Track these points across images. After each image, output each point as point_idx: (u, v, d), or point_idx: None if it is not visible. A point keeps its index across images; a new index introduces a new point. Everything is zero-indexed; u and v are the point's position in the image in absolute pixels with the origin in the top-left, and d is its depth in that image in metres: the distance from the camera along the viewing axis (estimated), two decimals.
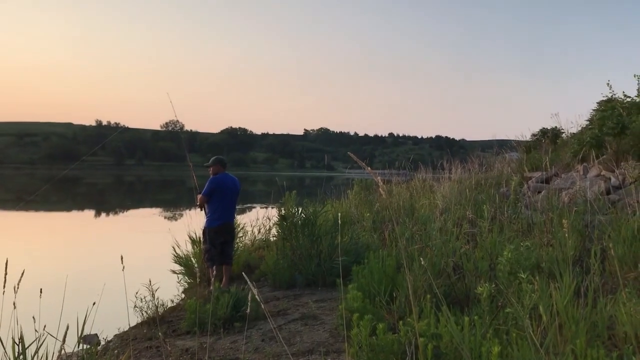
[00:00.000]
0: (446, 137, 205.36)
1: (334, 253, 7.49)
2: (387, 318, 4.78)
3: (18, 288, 3.05)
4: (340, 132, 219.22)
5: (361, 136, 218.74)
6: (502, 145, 17.89)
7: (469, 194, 8.92)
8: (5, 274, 3.03)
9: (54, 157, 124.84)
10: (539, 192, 10.53)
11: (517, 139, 17.45)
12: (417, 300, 4.57)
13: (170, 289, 8.31)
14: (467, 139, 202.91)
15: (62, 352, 3.27)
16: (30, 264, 3.81)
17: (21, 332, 3.27)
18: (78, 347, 3.90)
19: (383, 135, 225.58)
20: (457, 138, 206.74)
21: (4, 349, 3.21)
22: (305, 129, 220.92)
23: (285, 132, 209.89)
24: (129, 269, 3.55)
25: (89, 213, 28.96)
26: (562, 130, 16.33)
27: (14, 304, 3.12)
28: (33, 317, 3.18)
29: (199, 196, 7.86)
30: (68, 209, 30.02)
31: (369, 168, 2.70)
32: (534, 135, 17.12)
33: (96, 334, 5.74)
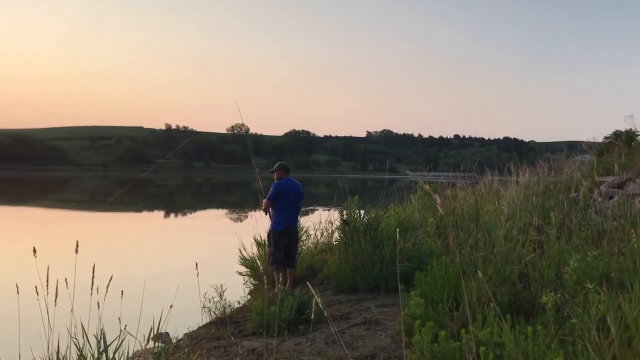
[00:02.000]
0: (514, 138, 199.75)
1: (397, 258, 7.52)
2: (450, 325, 4.79)
3: (107, 292, 3.30)
4: (404, 134, 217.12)
5: (425, 138, 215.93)
6: (573, 148, 17.29)
7: (536, 200, 8.71)
8: (93, 277, 3.28)
9: (125, 159, 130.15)
10: (611, 198, 10.15)
11: (589, 141, 16.82)
12: (480, 308, 4.55)
13: (237, 290, 8.59)
14: (537, 140, 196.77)
15: (140, 349, 3.50)
16: (109, 264, 4.09)
17: (102, 330, 3.52)
18: (152, 344, 4.15)
19: (448, 137, 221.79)
20: (526, 139, 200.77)
21: (90, 345, 3.46)
22: (367, 131, 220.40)
23: (347, 135, 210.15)
24: (198, 270, 3.74)
25: (159, 214, 30.10)
26: (638, 133, 15.61)
27: (97, 304, 3.37)
28: (119, 319, 3.42)
29: (264, 200, 8.08)
30: (140, 210, 31.29)
31: (420, 180, 2.74)
32: (606, 137, 16.44)
33: (167, 333, 6.03)
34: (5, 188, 53.67)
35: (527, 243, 6.36)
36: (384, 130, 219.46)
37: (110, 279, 3.33)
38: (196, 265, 3.46)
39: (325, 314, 3.32)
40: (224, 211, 30.78)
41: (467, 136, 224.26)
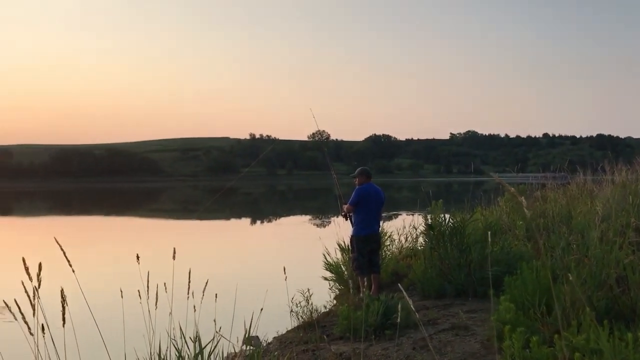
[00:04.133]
0: (609, 135, 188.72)
1: (485, 263, 7.35)
2: (542, 331, 4.63)
3: (203, 296, 3.49)
4: (489, 135, 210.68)
5: (512, 138, 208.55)
6: None
7: (633, 200, 8.22)
8: (189, 281, 3.48)
9: (213, 169, 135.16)
10: None
11: None
12: (574, 313, 4.37)
13: (323, 295, 8.70)
14: (634, 136, 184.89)
15: (232, 351, 3.66)
16: (203, 269, 4.30)
17: (198, 332, 3.71)
18: (244, 347, 4.31)
19: (537, 136, 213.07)
20: (622, 136, 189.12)
21: (187, 347, 3.67)
22: (451, 133, 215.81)
23: (430, 137, 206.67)
24: (283, 275, 3.87)
25: (246, 221, 31.01)
26: None
27: (194, 307, 3.57)
28: (214, 321, 3.60)
29: (345, 206, 8.15)
30: (228, 217, 32.37)
31: (503, 181, 2.69)
32: None
33: (257, 336, 6.23)
34: (104, 199, 57.21)
35: (625, 245, 6.03)
36: (468, 131, 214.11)
37: (206, 284, 3.52)
38: (284, 269, 3.58)
39: (417, 316, 3.32)
40: (307, 217, 31.22)
41: (557, 134, 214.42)
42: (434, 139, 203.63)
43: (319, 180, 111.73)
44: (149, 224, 28.77)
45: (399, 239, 10.69)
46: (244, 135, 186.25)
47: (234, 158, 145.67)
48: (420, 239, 10.01)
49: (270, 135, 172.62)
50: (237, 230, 25.30)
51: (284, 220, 30.55)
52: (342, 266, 9.14)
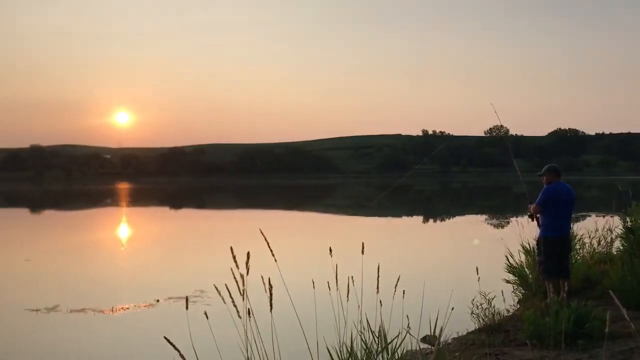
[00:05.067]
0: None
1: None
2: None
3: (395, 291, 3.54)
4: None
5: None
6: None
7: None
8: (378, 276, 3.57)
9: (385, 167, 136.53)
10: None
11: None
12: None
13: (505, 298, 8.33)
14: None
15: (414, 348, 3.66)
16: (387, 264, 4.36)
17: (383, 327, 3.78)
18: (425, 346, 4.29)
19: None
20: None
21: (375, 340, 3.76)
22: None
23: (625, 131, 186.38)
24: (464, 275, 3.77)
25: (418, 219, 30.84)
26: None
27: (380, 302, 3.64)
28: (407, 317, 3.65)
29: (532, 206, 7.69)
30: (399, 214, 32.47)
31: None
32: None
33: (436, 335, 6.16)
34: (284, 195, 60.90)
35: None
36: None
37: (398, 279, 3.57)
38: (476, 269, 3.49)
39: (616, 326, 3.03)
40: (484, 216, 30.10)
41: None
42: (629, 133, 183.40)
43: (496, 177, 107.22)
44: (325, 218, 30.00)
45: (591, 243, 9.83)
46: (416, 132, 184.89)
47: (406, 155, 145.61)
48: (617, 243, 9.11)
49: (444, 132, 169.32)
50: (411, 228, 25.29)
51: (458, 219, 29.81)
52: (527, 269, 8.66)
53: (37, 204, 47.30)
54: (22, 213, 38.86)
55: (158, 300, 9.15)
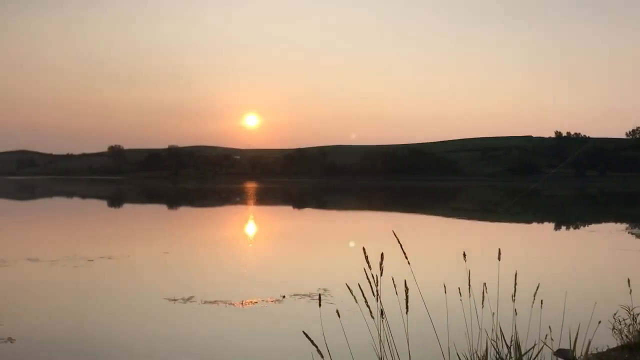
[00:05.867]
0: None
1: None
2: None
3: (534, 300, 3.38)
4: None
5: None
6: None
7: None
8: (515, 284, 3.42)
9: (513, 170, 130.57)
10: None
11: None
12: None
13: None
14: None
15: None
16: (522, 272, 4.15)
17: (517, 337, 3.60)
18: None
19: None
20: None
21: (509, 350, 3.59)
22: None
23: None
24: (605, 286, 3.48)
25: (550, 226, 29.08)
26: None
27: (515, 310, 3.48)
28: (549, 327, 3.46)
29: None
30: (530, 220, 30.82)
31: None
32: None
33: (569, 349, 5.76)
34: (406, 197, 60.29)
35: None
36: None
37: (537, 288, 3.40)
38: (628, 282, 3.21)
39: None
40: (623, 225, 27.73)
41: None
42: None
43: (637, 182, 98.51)
44: (450, 222, 29.27)
45: None
46: (548, 133, 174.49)
47: (537, 158, 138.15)
48: None
49: (579, 133, 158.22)
50: (542, 235, 23.92)
51: (595, 227, 27.71)
52: None
53: (173, 201, 50.95)
54: (161, 209, 42.05)
55: (284, 296, 9.45)
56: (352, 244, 18.14)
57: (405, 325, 2.95)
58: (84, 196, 58.82)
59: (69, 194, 61.97)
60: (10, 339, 6.88)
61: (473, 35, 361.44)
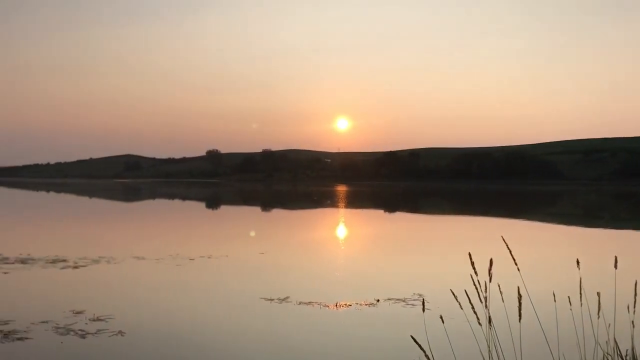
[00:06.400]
0: None
1: None
2: None
3: None
4: None
5: None
6: None
7: None
8: (635, 294, 3.19)
9: (620, 173, 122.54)
10: None
11: None
12: None
13: None
14: None
15: None
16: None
17: (635, 352, 3.35)
18: None
19: None
20: None
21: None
22: None
23: None
24: None
25: None
26: None
27: (632, 322, 3.24)
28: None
29: None
30: (636, 227, 28.80)
31: None
32: None
33: None
34: (502, 201, 58.14)
35: None
36: None
37: None
38: None
39: None
40: None
41: None
42: None
43: None
44: (550, 229, 27.89)
45: None
46: None
47: None
48: None
49: None
50: None
51: None
52: None
53: (267, 203, 52.27)
54: (256, 211, 43.28)
55: (378, 300, 9.40)
56: (447, 249, 17.74)
57: (519, 334, 2.83)
58: (184, 198, 61.75)
59: (171, 196, 65.35)
60: (121, 332, 7.33)
61: (566, 31, 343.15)
